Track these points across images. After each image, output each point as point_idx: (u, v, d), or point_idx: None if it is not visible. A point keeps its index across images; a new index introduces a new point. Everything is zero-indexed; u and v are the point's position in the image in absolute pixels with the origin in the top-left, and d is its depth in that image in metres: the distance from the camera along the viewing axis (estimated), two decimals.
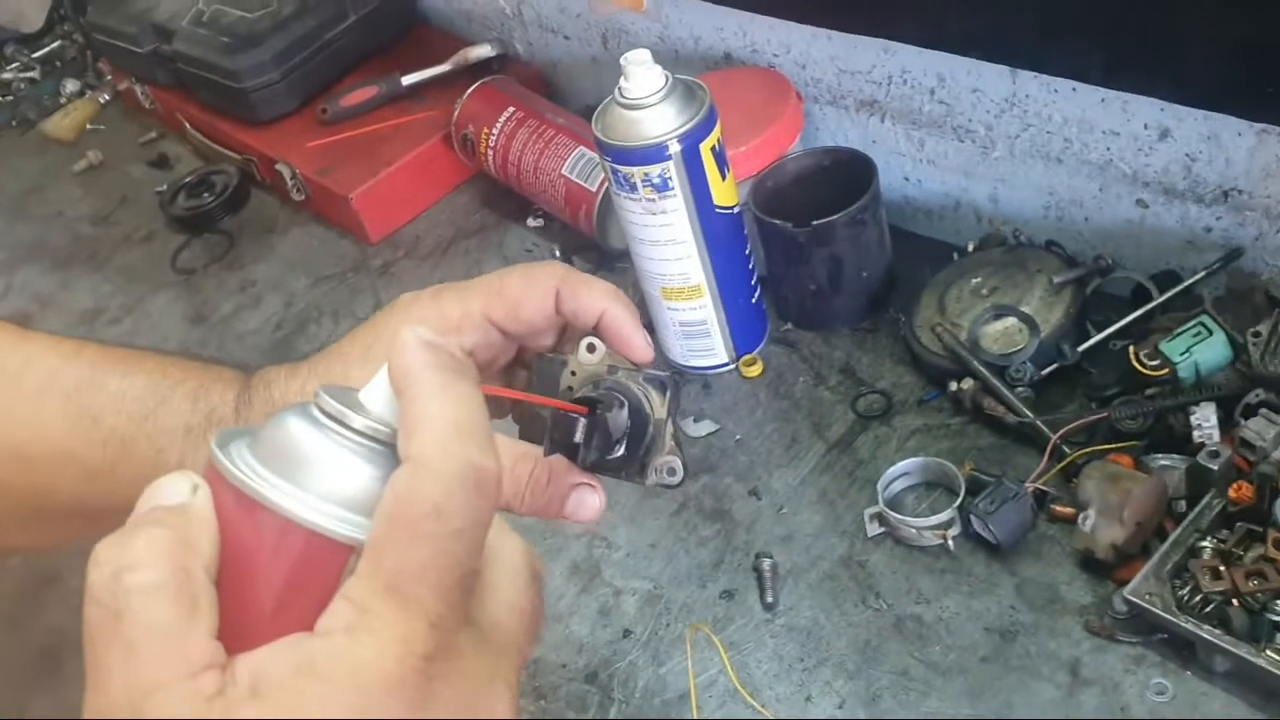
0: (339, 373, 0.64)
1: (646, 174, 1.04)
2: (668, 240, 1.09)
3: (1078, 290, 1.07)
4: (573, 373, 0.59)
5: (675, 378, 0.61)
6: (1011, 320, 1.06)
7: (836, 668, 0.92)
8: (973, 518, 0.95)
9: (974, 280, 1.11)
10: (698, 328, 1.15)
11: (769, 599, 0.98)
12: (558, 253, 1.39)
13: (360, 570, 0.38)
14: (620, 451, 0.58)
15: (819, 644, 0.94)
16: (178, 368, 0.67)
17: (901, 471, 1.02)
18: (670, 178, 1.04)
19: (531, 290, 0.62)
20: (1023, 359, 1.03)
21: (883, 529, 1.00)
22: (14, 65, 2.09)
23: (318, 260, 1.52)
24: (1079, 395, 1.04)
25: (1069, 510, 0.94)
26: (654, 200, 1.06)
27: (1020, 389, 1.02)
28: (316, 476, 0.40)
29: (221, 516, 0.40)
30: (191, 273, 1.56)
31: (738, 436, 1.12)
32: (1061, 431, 0.98)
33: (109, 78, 1.93)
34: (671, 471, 0.60)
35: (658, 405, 0.59)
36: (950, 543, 0.96)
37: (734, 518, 1.06)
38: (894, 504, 1.01)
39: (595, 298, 0.61)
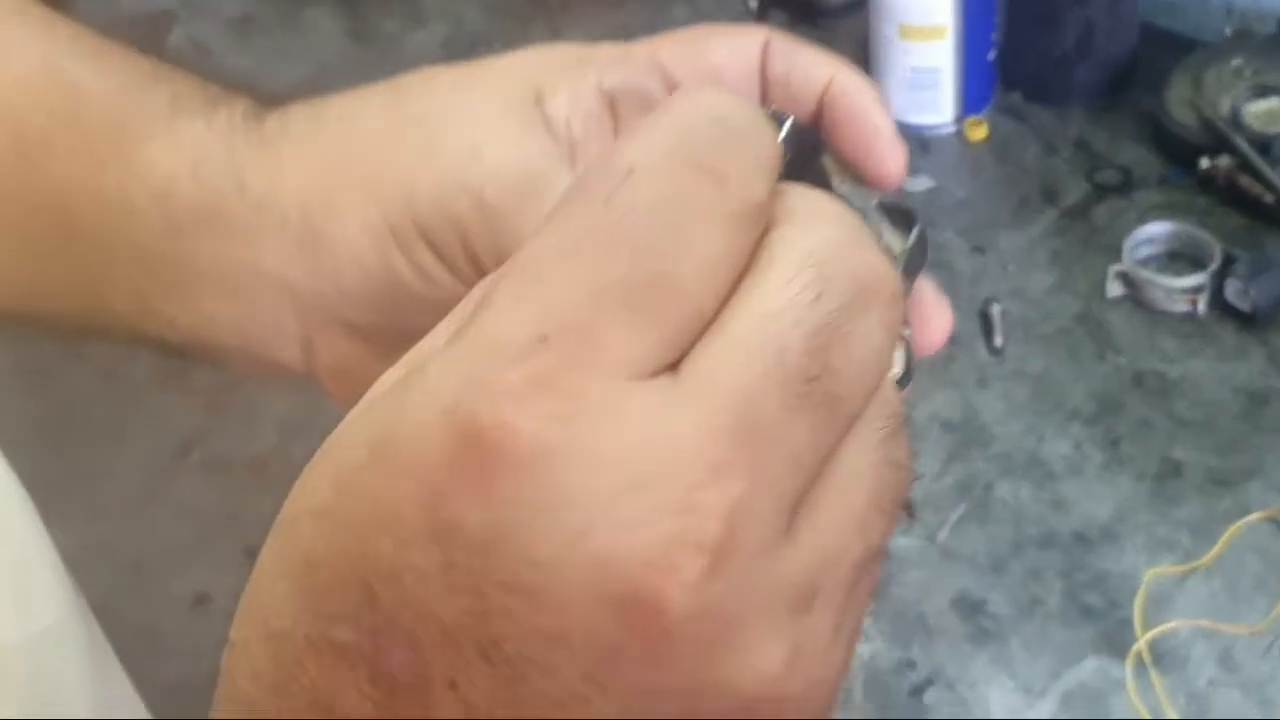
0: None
1: None
2: None
3: None
4: None
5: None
6: (1277, 100, 1.01)
7: (1071, 414, 0.89)
8: (1229, 282, 0.91)
9: (1234, 62, 1.05)
10: (929, 76, 1.10)
11: (997, 343, 0.95)
12: (754, 2, 1.33)
13: None
14: None
15: (1051, 390, 0.91)
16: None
17: (1147, 237, 0.98)
18: None
19: (736, 42, 0.41)
20: None
21: (1125, 290, 0.96)
22: None
23: None
24: None
25: None
26: None
27: None
28: None
29: None
30: None
31: (960, 195, 1.08)
32: None
33: None
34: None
35: (894, 245, 0.34)
36: (1200, 307, 0.92)
37: (956, 269, 1.02)
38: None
39: (819, 61, 0.41)
